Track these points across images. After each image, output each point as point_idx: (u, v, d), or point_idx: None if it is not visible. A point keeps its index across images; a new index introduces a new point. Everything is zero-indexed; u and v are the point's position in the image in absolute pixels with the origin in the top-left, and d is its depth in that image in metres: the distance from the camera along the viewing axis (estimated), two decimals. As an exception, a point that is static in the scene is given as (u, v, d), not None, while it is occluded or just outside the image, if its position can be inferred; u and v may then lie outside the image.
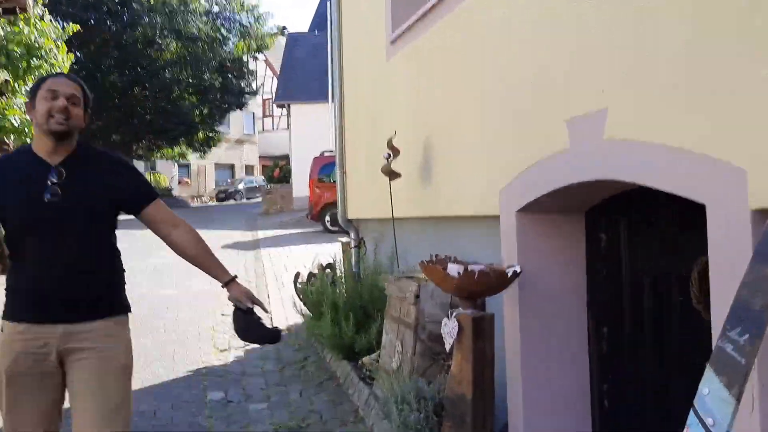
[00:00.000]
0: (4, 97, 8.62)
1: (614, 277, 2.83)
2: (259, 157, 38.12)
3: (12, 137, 8.49)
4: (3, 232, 2.02)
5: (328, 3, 6.50)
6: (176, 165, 33.95)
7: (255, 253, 10.97)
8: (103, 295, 2.07)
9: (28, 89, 6.86)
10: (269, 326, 2.28)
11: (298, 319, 5.72)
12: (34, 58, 8.91)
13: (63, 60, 9.53)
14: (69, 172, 2.01)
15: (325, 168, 13.66)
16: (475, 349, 2.54)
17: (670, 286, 2.82)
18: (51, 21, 9.67)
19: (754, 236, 1.64)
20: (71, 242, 1.99)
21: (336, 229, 11.23)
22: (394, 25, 4.53)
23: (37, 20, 9.13)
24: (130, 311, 2.17)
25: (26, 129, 8.25)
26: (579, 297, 2.82)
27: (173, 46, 25.45)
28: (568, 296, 2.80)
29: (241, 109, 30.07)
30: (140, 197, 2.15)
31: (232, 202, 30.67)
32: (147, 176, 28.74)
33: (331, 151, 9.72)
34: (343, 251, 5.80)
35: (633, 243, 2.81)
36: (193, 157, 32.23)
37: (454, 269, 2.53)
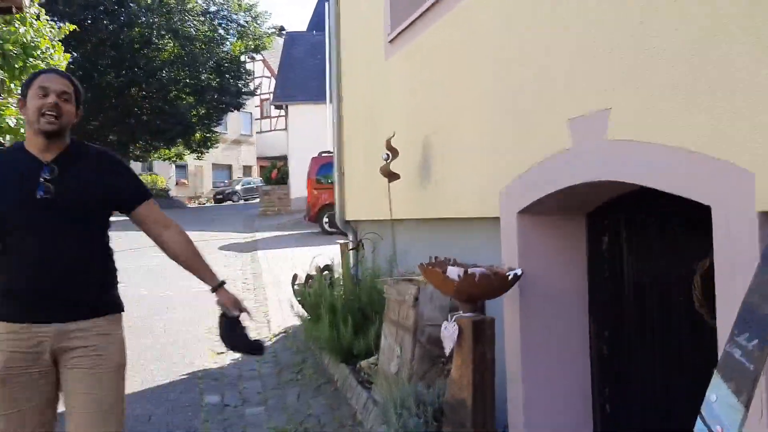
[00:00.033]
0: (0, 97, 8.57)
1: (616, 280, 2.81)
2: (257, 157, 38.05)
3: (8, 137, 8.43)
4: None
5: (326, 2, 6.47)
6: (173, 166, 33.87)
7: (252, 255, 10.93)
8: (96, 293, 2.06)
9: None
10: (253, 338, 2.29)
11: (296, 322, 5.67)
12: (31, 58, 8.86)
13: (59, 60, 9.48)
14: (61, 169, 2.01)
15: (323, 169, 13.63)
16: (476, 353, 2.50)
17: (672, 289, 2.79)
18: (47, 20, 9.63)
19: (760, 239, 1.61)
20: (63, 240, 1.98)
21: (334, 230, 11.20)
22: (393, 23, 4.49)
23: (33, 20, 9.08)
24: (123, 310, 2.17)
25: (22, 129, 8.21)
26: (580, 299, 2.80)
27: (170, 45, 25.40)
28: (569, 298, 2.77)
29: (238, 109, 30.00)
30: (133, 196, 2.15)
31: (229, 203, 30.61)
32: (144, 177, 28.81)
33: (329, 152, 9.69)
34: (341, 253, 5.76)
35: (634, 245, 2.78)
36: (190, 158, 32.16)
37: (454, 272, 2.49)
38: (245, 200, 30.72)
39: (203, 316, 6.26)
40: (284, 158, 24.02)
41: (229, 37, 28.76)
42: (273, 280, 8.48)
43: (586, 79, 2.29)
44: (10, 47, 8.60)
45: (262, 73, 36.63)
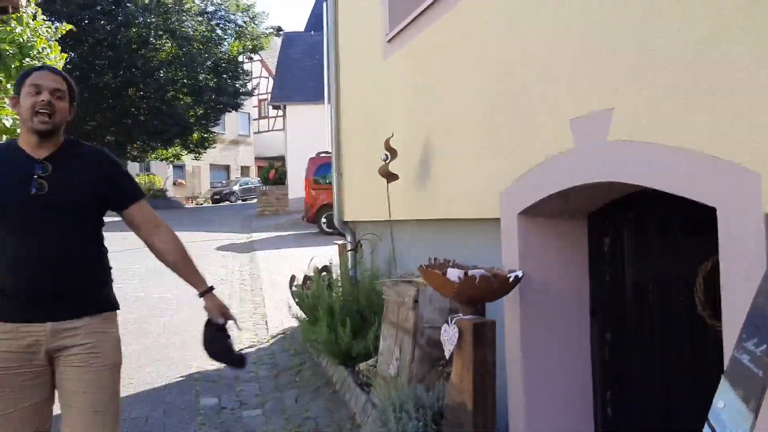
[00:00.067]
0: (-5, 97, 8.52)
1: (617, 281, 2.78)
2: (255, 158, 38.00)
3: (4, 137, 8.39)
4: None
5: (324, 2, 6.43)
6: (171, 166, 33.80)
7: (250, 256, 10.88)
8: (90, 291, 2.05)
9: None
10: (237, 349, 2.26)
11: (294, 323, 5.64)
12: (27, 58, 8.81)
13: (56, 60, 9.44)
14: (55, 166, 2.01)
15: (321, 169, 13.61)
16: (476, 356, 2.47)
17: (675, 291, 2.77)
18: (44, 20, 9.58)
19: (768, 241, 1.58)
20: (57, 237, 1.97)
21: (332, 231, 11.17)
22: (391, 22, 4.46)
23: (29, 19, 9.04)
24: (118, 308, 2.16)
25: (18, 129, 8.16)
26: (581, 301, 2.77)
27: (168, 46, 25.33)
28: (570, 300, 2.75)
29: (236, 109, 29.95)
30: (125, 195, 2.15)
31: (227, 203, 30.55)
32: (141, 177, 28.70)
33: (327, 152, 9.66)
34: (340, 254, 5.72)
35: (636, 246, 2.76)
36: (187, 158, 32.08)
37: (454, 274, 2.46)
38: (243, 200, 30.66)
39: (202, 317, 6.18)
40: (282, 158, 24.01)
41: (226, 37, 28.72)
42: (271, 281, 8.45)
43: (589, 79, 2.27)
44: (7, 47, 8.55)
45: (259, 74, 36.58)
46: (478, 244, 3.37)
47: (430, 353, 3.17)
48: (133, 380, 4.48)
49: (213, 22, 28.08)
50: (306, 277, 5.75)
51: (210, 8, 28.18)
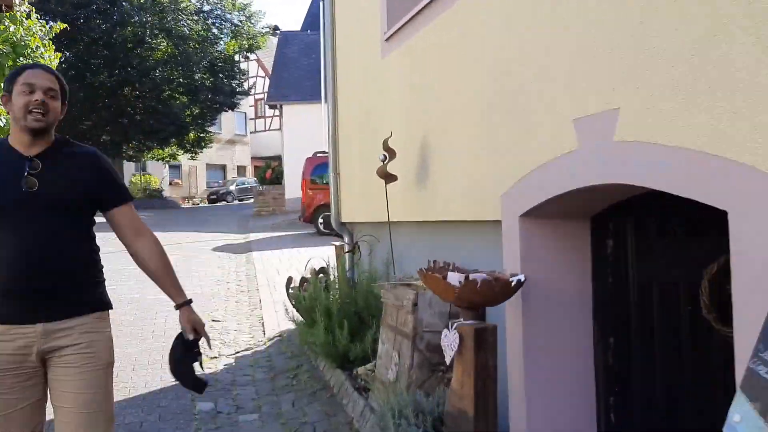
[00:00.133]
0: (-12, 96, 8.44)
1: (621, 285, 2.73)
2: (251, 157, 37.88)
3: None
4: None
5: (321, 1, 6.37)
6: (167, 166, 33.67)
7: (246, 256, 10.81)
8: (83, 290, 2.04)
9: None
10: (200, 372, 2.20)
11: (290, 326, 5.57)
12: (21, 57, 8.74)
13: (50, 59, 9.36)
14: (46, 164, 1.99)
15: (317, 169, 13.55)
16: (477, 362, 2.41)
17: (679, 294, 2.72)
18: (38, 19, 9.50)
19: (781, 246, 1.53)
20: (47, 236, 1.95)
21: (329, 231, 11.11)
22: (389, 21, 4.41)
23: (23, 18, 8.96)
24: (111, 307, 2.14)
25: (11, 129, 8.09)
26: (584, 304, 2.72)
27: (164, 45, 25.22)
28: (572, 303, 2.70)
29: (232, 109, 29.84)
30: (115, 196, 2.13)
31: (223, 203, 30.45)
32: (137, 177, 28.52)
33: (324, 152, 9.60)
34: (337, 255, 5.66)
35: (640, 249, 2.71)
36: (184, 158, 31.97)
37: (454, 278, 2.40)
38: (239, 200, 30.57)
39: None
40: (279, 158, 23.92)
41: (222, 36, 28.61)
42: (267, 282, 8.37)
43: (587, 78, 2.25)
44: (0, 46, 8.48)
45: (256, 73, 36.48)
46: (476, 246, 3.32)
47: (430, 358, 3.11)
48: (128, 384, 4.40)
49: (209, 21, 27.97)
50: (303, 279, 5.69)
51: (206, 7, 28.08)
